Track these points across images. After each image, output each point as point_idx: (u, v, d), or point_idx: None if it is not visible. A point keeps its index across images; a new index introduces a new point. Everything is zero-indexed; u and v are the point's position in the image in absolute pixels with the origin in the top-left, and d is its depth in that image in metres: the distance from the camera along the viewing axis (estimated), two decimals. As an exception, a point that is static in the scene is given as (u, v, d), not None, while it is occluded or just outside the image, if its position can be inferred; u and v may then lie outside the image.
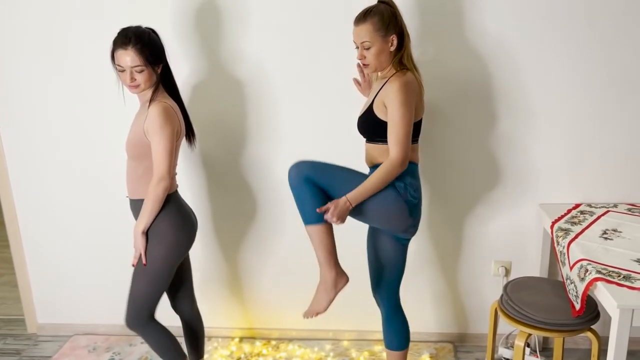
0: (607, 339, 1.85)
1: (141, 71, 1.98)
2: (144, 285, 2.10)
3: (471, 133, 2.46)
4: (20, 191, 2.72)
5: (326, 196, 1.95)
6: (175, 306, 2.35)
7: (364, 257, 2.25)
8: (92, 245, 2.77)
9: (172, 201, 2.08)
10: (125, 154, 2.10)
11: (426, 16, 2.32)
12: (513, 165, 2.49)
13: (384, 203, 1.96)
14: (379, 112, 1.98)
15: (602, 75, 2.35)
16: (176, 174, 2.15)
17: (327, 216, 1.90)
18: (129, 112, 2.38)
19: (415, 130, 2.01)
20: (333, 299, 2.04)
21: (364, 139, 2.11)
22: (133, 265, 2.10)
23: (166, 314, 2.31)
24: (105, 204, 2.68)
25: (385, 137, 1.97)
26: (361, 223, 2.11)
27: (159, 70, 2.04)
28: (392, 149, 1.92)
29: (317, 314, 2.05)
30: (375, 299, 2.26)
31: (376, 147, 2.04)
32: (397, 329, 2.21)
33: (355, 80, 2.29)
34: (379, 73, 2.07)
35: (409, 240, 2.13)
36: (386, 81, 1.97)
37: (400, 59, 1.98)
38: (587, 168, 2.47)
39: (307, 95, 2.47)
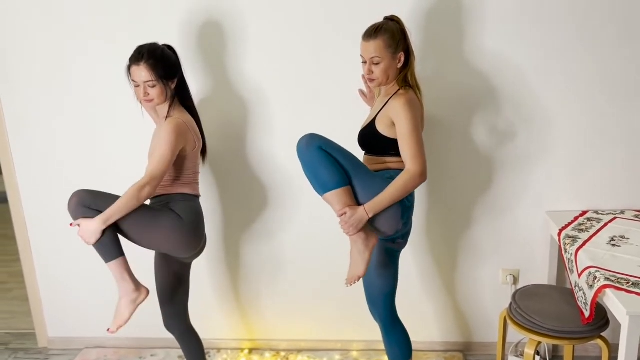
0: (617, 346, 1.86)
1: (153, 86, 2.03)
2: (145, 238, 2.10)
3: (476, 142, 2.47)
4: (31, 205, 2.74)
5: (340, 167, 1.90)
6: (167, 324, 2.34)
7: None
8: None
9: (197, 204, 2.16)
10: (139, 168, 2.16)
11: (427, 31, 2.35)
12: (519, 173, 2.50)
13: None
14: (381, 127, 2.01)
15: (607, 82, 2.36)
16: (197, 183, 2.21)
17: (342, 224, 1.92)
18: (140, 128, 2.43)
19: None
20: (369, 259, 1.99)
21: (363, 153, 2.15)
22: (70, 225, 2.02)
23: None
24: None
25: (384, 151, 2.03)
26: None
27: (172, 86, 2.09)
28: (410, 163, 1.92)
29: (359, 277, 2.00)
30: (372, 313, 2.25)
31: (374, 159, 2.08)
32: (397, 340, 2.21)
33: (361, 91, 2.32)
34: (382, 88, 2.10)
35: (399, 251, 2.13)
36: (390, 98, 2.01)
37: (405, 76, 2.03)
38: (593, 175, 2.48)
39: (310, 106, 2.50)
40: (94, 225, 1.95)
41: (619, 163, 2.45)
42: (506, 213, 2.56)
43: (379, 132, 2.01)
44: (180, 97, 2.16)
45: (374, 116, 2.05)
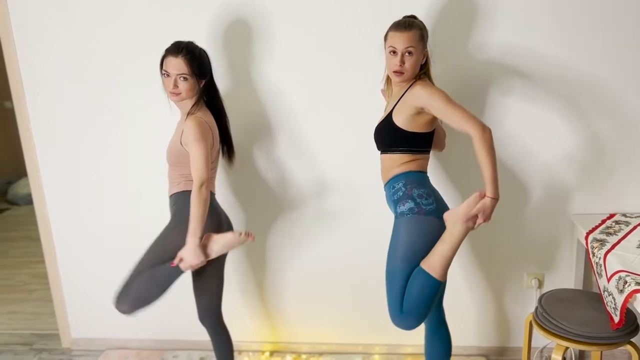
0: (648, 352, 1.81)
1: (185, 80, 2.07)
2: (152, 259, 2.17)
3: (501, 145, 2.44)
4: (55, 207, 2.77)
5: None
6: (201, 318, 2.36)
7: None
8: (125, 261, 2.78)
9: (179, 196, 2.18)
10: (164, 163, 2.24)
11: (438, 30, 2.33)
12: (544, 176, 2.46)
13: (417, 233, 1.99)
14: (399, 120, 2.02)
15: (631, 84, 2.31)
16: (213, 179, 2.24)
17: (479, 221, 1.93)
18: (166, 129, 2.43)
19: (427, 141, 2.07)
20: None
21: (379, 152, 2.15)
22: (172, 265, 2.11)
23: (199, 326, 2.32)
24: (138, 220, 2.72)
25: (400, 145, 2.04)
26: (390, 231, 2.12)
27: (201, 84, 2.13)
28: (469, 128, 1.91)
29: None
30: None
31: (391, 158, 2.08)
32: (441, 345, 2.20)
33: (383, 91, 2.30)
34: (393, 89, 2.12)
35: None
36: (406, 90, 2.03)
37: (423, 75, 2.07)
38: (620, 177, 2.43)
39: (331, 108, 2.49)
40: (192, 247, 2.05)
41: (648, 165, 2.40)
42: (531, 216, 2.52)
43: (396, 125, 2.02)
44: (207, 98, 2.19)
45: (390, 110, 2.06)
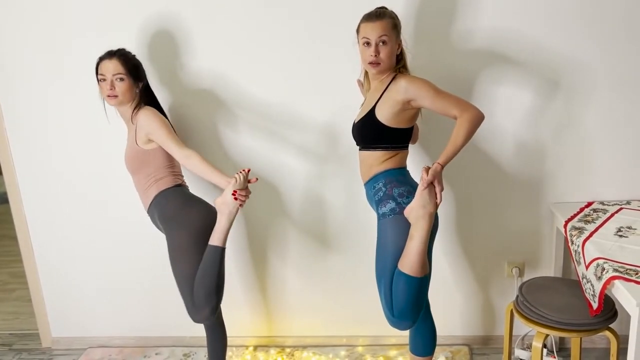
0: (625, 337, 1.84)
1: (122, 80, 2.10)
2: (185, 269, 2.13)
3: (479, 134, 2.45)
4: (32, 205, 2.73)
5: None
6: (195, 317, 2.34)
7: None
8: (105, 257, 2.77)
9: (174, 192, 2.19)
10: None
11: (420, 19, 2.32)
12: (523, 165, 2.48)
13: (402, 233, 1.96)
14: (382, 115, 2.00)
15: (612, 72, 2.33)
16: (181, 173, 2.27)
17: (438, 189, 1.91)
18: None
19: (408, 136, 2.08)
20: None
21: (358, 148, 2.14)
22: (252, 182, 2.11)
23: (182, 322, 2.30)
24: (117, 216, 2.69)
25: (382, 141, 2.03)
26: (373, 219, 2.12)
27: (139, 88, 2.18)
28: (462, 111, 1.93)
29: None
30: None
31: (372, 155, 2.07)
32: (425, 335, 2.20)
33: (359, 81, 2.29)
34: (373, 83, 2.10)
35: (433, 239, 2.09)
36: (388, 85, 2.01)
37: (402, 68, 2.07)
38: (598, 166, 2.46)
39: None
40: (228, 195, 2.04)
41: (624, 153, 2.43)
42: (510, 205, 2.54)
43: (379, 121, 2.01)
44: (146, 102, 2.21)
45: (372, 106, 2.04)
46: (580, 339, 2.34)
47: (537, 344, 2.06)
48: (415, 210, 1.92)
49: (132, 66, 2.13)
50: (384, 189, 2.02)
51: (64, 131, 2.60)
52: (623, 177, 2.45)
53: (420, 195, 1.91)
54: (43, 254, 2.80)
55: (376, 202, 2.06)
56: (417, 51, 2.30)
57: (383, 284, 2.00)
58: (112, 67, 2.09)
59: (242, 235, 2.69)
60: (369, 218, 2.23)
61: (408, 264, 1.92)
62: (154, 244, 2.56)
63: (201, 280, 2.08)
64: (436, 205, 1.93)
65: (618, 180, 2.46)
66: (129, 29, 2.42)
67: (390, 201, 2.00)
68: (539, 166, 2.48)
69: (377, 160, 2.06)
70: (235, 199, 2.04)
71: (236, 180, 2.04)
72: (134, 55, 2.19)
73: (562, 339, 2.67)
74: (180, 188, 2.24)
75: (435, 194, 1.93)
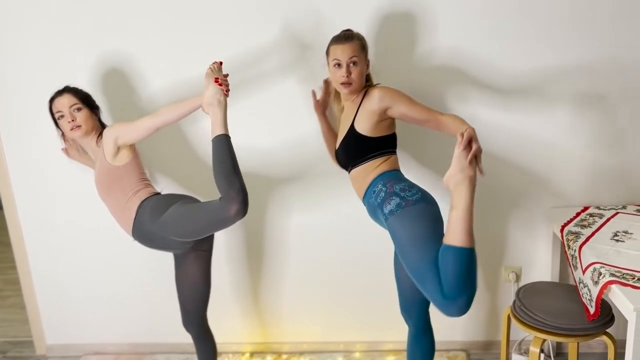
0: (622, 342, 1.84)
1: (79, 109, 2.14)
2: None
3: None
4: (26, 211, 2.71)
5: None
6: (185, 323, 2.34)
7: (376, 266, 2.23)
8: (99, 264, 2.76)
9: (157, 197, 2.16)
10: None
11: (383, 40, 2.35)
12: (519, 170, 2.48)
13: (414, 221, 1.90)
14: (363, 128, 2.03)
15: (607, 74, 2.35)
16: (148, 181, 2.23)
17: (475, 148, 1.79)
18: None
19: (393, 142, 2.11)
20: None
21: (347, 171, 2.14)
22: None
23: (177, 329, 2.29)
24: (112, 223, 2.66)
25: (370, 152, 2.05)
26: (380, 231, 2.10)
27: (97, 115, 2.22)
28: (442, 112, 2.01)
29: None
30: (405, 317, 2.22)
31: (363, 168, 2.07)
32: (425, 347, 2.19)
33: (314, 92, 2.33)
34: (345, 105, 2.14)
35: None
36: (362, 101, 2.05)
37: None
38: (594, 170, 2.46)
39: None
40: (210, 89, 2.02)
41: (620, 157, 2.43)
42: (507, 210, 2.54)
43: (361, 134, 2.04)
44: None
45: (349, 125, 2.06)
46: (578, 343, 2.34)
47: (534, 349, 2.05)
48: (454, 177, 1.80)
49: (83, 96, 2.18)
50: (384, 188, 1.99)
51: (58, 138, 2.58)
52: (618, 182, 2.46)
53: (457, 159, 1.80)
54: (37, 261, 2.78)
55: (379, 205, 1.99)
56: (381, 70, 2.31)
57: (419, 275, 1.85)
58: (67, 100, 2.13)
59: (239, 241, 2.69)
60: (366, 222, 2.22)
61: (454, 235, 1.77)
62: (149, 250, 2.53)
63: (219, 171, 1.96)
64: (475, 170, 1.80)
65: (614, 184, 2.47)
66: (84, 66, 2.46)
67: (394, 197, 1.94)
68: (535, 171, 2.48)
69: (370, 169, 2.07)
70: (220, 84, 2.02)
71: (212, 70, 2.06)
72: (81, 88, 2.23)
73: (559, 344, 2.66)
74: (161, 194, 2.21)
75: (474, 158, 1.81)
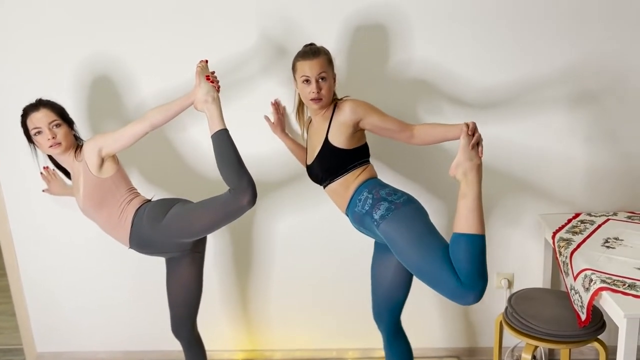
0: (614, 348, 1.84)
1: (59, 125, 2.04)
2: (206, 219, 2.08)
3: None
4: (17, 218, 2.69)
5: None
6: (175, 330, 2.32)
7: (365, 274, 2.23)
8: (90, 272, 2.74)
9: (152, 203, 2.14)
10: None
11: (352, 53, 2.35)
12: (511, 177, 2.49)
13: (408, 221, 1.91)
14: (338, 141, 2.03)
15: (598, 80, 2.36)
16: (136, 190, 2.19)
17: (478, 136, 1.85)
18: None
19: (366, 151, 2.11)
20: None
21: (323, 187, 2.13)
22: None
23: (169, 336, 2.28)
24: (102, 231, 2.65)
25: (348, 164, 2.04)
26: (366, 240, 2.11)
27: (74, 130, 2.13)
28: (409, 127, 2.03)
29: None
30: (377, 321, 2.24)
31: (342, 182, 2.06)
32: (401, 351, 2.20)
33: (267, 117, 2.38)
34: (315, 120, 2.12)
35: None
36: (332, 115, 2.04)
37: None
38: (585, 177, 2.47)
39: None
40: (202, 87, 2.01)
41: (611, 165, 2.45)
42: (499, 217, 2.55)
43: (337, 147, 2.03)
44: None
45: (323, 139, 2.05)
46: (570, 350, 2.35)
47: (526, 355, 2.06)
48: (462, 165, 1.84)
49: (60, 111, 2.08)
50: (370, 195, 1.99)
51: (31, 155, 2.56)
52: (610, 188, 2.48)
53: (464, 149, 1.84)
54: (28, 268, 2.75)
55: (368, 211, 1.97)
56: (351, 82, 2.32)
57: (426, 272, 1.86)
58: (44, 116, 2.01)
59: (228, 249, 2.68)
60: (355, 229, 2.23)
61: (465, 223, 1.81)
62: (140, 258, 2.51)
63: (225, 165, 1.98)
64: (480, 158, 1.86)
65: (605, 191, 2.48)
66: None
67: (383, 202, 1.94)
68: (526, 178, 2.49)
69: (350, 180, 2.05)
70: (212, 81, 2.02)
71: (201, 68, 2.04)
72: (54, 101, 2.11)
73: (551, 351, 2.67)
74: (152, 200, 2.19)
75: (476, 147, 1.86)
